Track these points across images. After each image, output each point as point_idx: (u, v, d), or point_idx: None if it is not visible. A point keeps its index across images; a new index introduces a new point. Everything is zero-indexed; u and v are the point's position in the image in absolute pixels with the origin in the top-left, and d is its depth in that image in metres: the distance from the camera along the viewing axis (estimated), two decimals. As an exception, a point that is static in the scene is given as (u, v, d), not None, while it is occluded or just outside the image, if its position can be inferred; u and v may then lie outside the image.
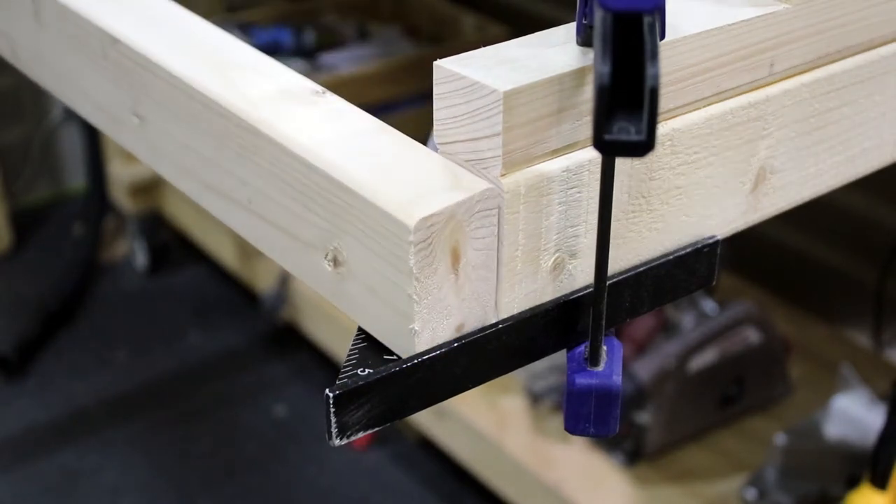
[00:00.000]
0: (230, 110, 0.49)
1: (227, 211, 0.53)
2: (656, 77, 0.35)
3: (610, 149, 0.37)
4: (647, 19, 0.36)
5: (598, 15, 0.38)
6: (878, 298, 1.50)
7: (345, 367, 0.44)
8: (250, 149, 0.49)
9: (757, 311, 1.43)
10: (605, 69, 0.35)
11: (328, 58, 1.72)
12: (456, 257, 0.43)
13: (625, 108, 0.36)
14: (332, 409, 0.42)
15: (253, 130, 0.48)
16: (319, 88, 0.51)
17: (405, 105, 1.64)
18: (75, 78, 0.62)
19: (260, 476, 1.59)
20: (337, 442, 0.42)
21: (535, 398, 1.45)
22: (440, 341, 0.44)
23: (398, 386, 0.43)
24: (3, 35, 0.68)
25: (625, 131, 0.36)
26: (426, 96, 1.82)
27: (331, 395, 0.42)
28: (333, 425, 0.42)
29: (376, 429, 0.43)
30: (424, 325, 0.43)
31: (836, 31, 0.54)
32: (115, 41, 0.55)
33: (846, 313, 1.62)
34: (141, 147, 0.58)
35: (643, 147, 0.36)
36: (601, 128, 0.36)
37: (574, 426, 0.47)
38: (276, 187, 0.48)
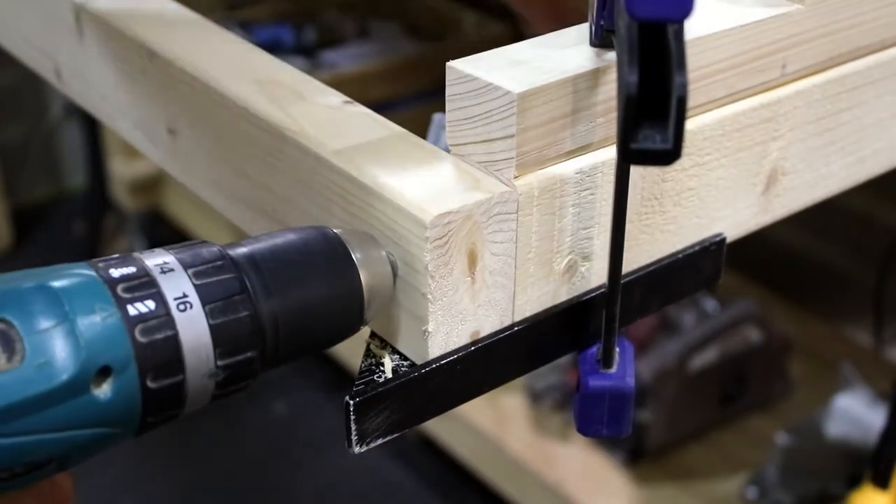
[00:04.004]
0: (259, 116, 0.49)
1: (253, 221, 0.53)
2: (684, 86, 0.35)
3: (636, 158, 0.36)
4: (673, 27, 0.35)
5: (623, 22, 0.37)
6: (878, 297, 1.50)
7: (360, 373, 0.44)
8: (277, 155, 0.49)
9: (757, 309, 1.43)
10: (633, 79, 0.35)
11: (329, 55, 1.72)
12: (473, 260, 0.43)
13: (649, 116, 0.36)
14: (353, 417, 0.41)
15: (280, 136, 0.48)
16: (348, 99, 0.51)
17: (406, 103, 1.64)
18: (115, 95, 0.63)
19: (260, 474, 1.59)
20: (357, 449, 0.42)
21: (535, 397, 1.45)
22: (454, 347, 0.44)
23: (417, 391, 0.43)
24: (48, 58, 0.70)
25: (650, 139, 0.36)
26: (427, 94, 1.82)
27: (351, 402, 0.41)
28: (353, 433, 0.41)
29: (394, 435, 0.43)
30: (438, 328, 0.43)
31: (848, 31, 0.54)
32: (153, 54, 0.56)
33: (846, 312, 1.62)
34: (174, 163, 0.59)
35: (670, 156, 0.36)
36: (627, 137, 0.36)
37: (587, 428, 0.47)
38: (299, 192, 0.48)
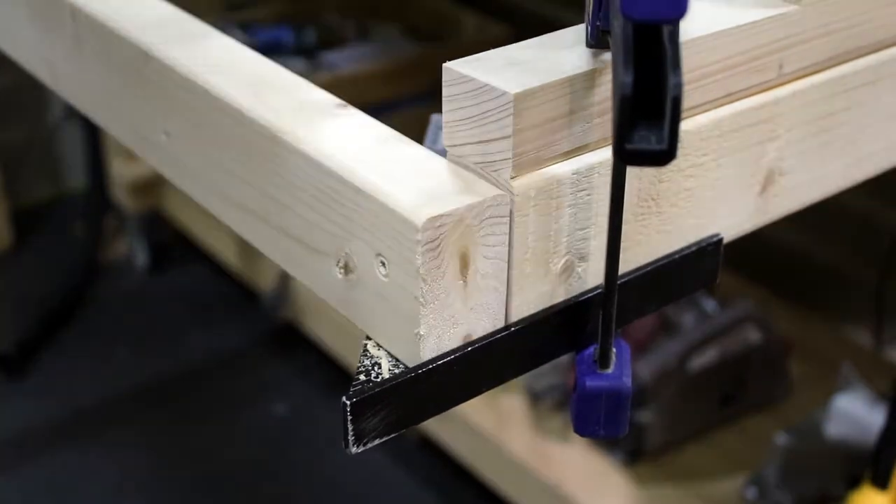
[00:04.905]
0: (254, 120, 0.49)
1: (246, 223, 0.53)
2: (679, 87, 0.35)
3: (632, 158, 0.36)
4: (668, 28, 0.35)
5: (619, 23, 0.37)
6: (878, 297, 1.50)
7: (356, 374, 0.44)
8: (271, 158, 0.49)
9: (757, 310, 1.43)
10: (628, 79, 0.35)
11: (329, 57, 1.72)
12: (465, 263, 0.43)
13: (645, 117, 0.36)
14: (349, 417, 0.41)
15: (274, 139, 0.48)
16: (342, 102, 0.51)
17: (405, 104, 1.64)
18: (111, 98, 0.63)
19: (260, 475, 1.59)
20: (354, 450, 0.42)
21: (535, 397, 1.45)
22: (445, 350, 0.44)
23: (414, 392, 0.43)
24: (45, 61, 0.70)
25: (645, 140, 0.36)
26: (426, 96, 1.82)
27: (348, 402, 0.41)
28: (350, 433, 0.41)
29: (392, 435, 0.43)
30: (430, 331, 0.43)
31: (845, 32, 0.54)
32: (148, 58, 0.56)
33: (846, 312, 1.62)
34: (169, 165, 0.59)
35: (665, 156, 0.36)
36: (623, 137, 0.36)
37: (584, 428, 0.47)
38: (293, 196, 0.48)
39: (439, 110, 0.48)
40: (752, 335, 1.40)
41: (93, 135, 1.97)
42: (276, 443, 1.65)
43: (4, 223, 2.07)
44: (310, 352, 1.77)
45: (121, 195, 2.03)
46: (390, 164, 0.45)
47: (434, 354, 0.43)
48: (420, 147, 0.47)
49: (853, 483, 1.14)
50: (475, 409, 1.44)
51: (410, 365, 0.44)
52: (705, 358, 1.36)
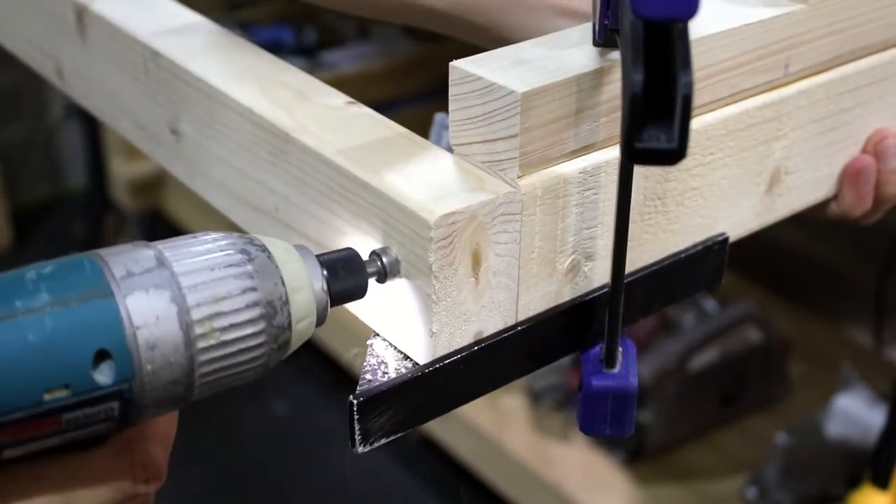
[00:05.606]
0: (263, 116, 0.49)
1: (255, 221, 0.53)
2: (689, 85, 0.35)
3: (641, 157, 0.36)
4: (678, 26, 0.35)
5: (629, 21, 0.37)
6: (878, 297, 1.50)
7: (363, 373, 0.43)
8: (280, 155, 0.49)
9: (757, 310, 1.43)
10: (638, 77, 0.35)
11: (329, 56, 1.72)
12: (477, 261, 0.43)
13: (654, 116, 0.35)
14: (356, 416, 0.41)
15: (284, 136, 0.48)
16: (351, 99, 0.51)
17: (406, 103, 1.64)
18: (118, 96, 0.63)
19: (260, 475, 1.59)
20: (360, 449, 0.41)
21: (535, 396, 1.45)
22: (457, 347, 0.44)
23: (420, 391, 0.43)
24: (49, 58, 0.70)
25: (655, 139, 0.35)
26: (427, 95, 1.81)
27: (355, 401, 0.41)
28: (357, 432, 0.41)
29: (398, 435, 0.43)
30: (442, 328, 0.43)
31: (850, 31, 0.54)
32: (156, 55, 0.56)
33: (846, 312, 1.62)
34: (177, 163, 0.59)
35: (675, 155, 0.36)
36: (632, 136, 0.36)
37: (590, 427, 0.47)
38: (302, 192, 0.48)
39: (440, 109, 0.48)
40: (752, 335, 1.40)
41: (92, 134, 1.97)
42: (276, 442, 1.65)
43: (4, 223, 2.07)
44: (309, 351, 1.77)
45: (121, 195, 2.02)
46: (401, 161, 0.45)
47: (446, 351, 0.43)
48: (431, 144, 0.47)
49: (853, 483, 1.14)
50: (475, 409, 1.44)
51: (422, 362, 0.44)
52: (705, 358, 1.36)
